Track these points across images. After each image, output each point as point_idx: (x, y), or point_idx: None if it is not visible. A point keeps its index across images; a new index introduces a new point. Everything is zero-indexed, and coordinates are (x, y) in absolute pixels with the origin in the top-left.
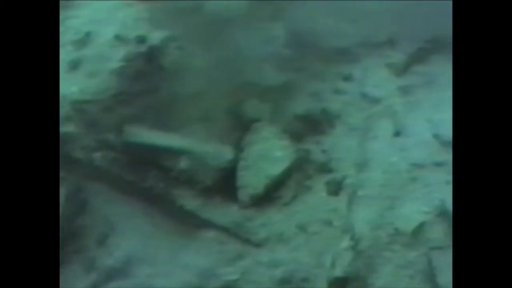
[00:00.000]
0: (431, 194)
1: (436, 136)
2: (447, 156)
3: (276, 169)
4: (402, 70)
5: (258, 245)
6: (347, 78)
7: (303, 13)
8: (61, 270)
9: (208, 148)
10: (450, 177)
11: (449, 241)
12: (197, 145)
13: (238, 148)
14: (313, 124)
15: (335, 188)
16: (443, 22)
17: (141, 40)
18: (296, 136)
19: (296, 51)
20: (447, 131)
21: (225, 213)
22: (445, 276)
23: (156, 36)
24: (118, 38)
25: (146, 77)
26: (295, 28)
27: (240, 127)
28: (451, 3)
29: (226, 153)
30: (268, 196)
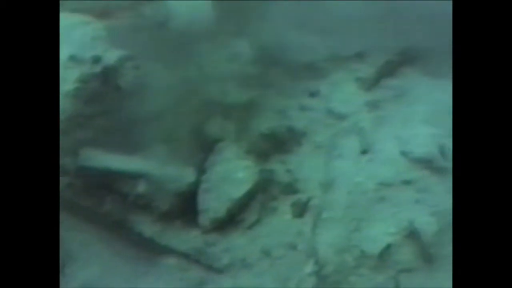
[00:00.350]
0: (399, 214)
1: (404, 153)
2: (416, 174)
3: (238, 192)
4: (370, 84)
5: (220, 271)
6: (314, 94)
7: (270, 28)
8: None
9: (168, 171)
10: (418, 196)
11: (418, 263)
12: (156, 168)
13: (201, 169)
14: (279, 143)
15: (300, 210)
16: (414, 33)
17: (96, 60)
18: (261, 156)
19: (262, 67)
20: (416, 147)
21: (185, 238)
22: None
23: (112, 56)
24: (73, 58)
25: (102, 98)
26: (262, 43)
27: (204, 147)
28: (422, 13)
29: (187, 175)
30: (231, 220)
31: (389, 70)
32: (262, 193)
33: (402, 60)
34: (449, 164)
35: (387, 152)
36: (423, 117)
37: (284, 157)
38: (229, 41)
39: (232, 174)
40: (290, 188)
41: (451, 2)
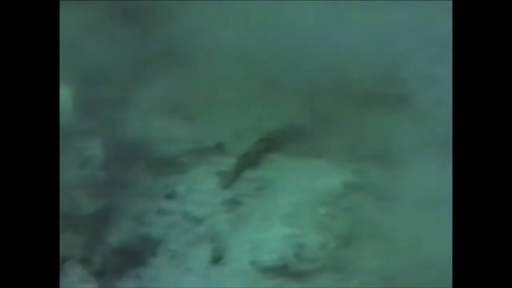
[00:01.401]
0: None
1: (253, 263)
2: (269, 283)
3: None
4: (230, 179)
5: None
6: (171, 196)
7: (135, 119)
8: None
9: None
10: None
11: None
12: None
13: None
14: (133, 255)
15: None
16: (289, 111)
17: None
18: (112, 272)
19: (118, 167)
20: (266, 255)
21: None
22: None
23: None
24: None
25: None
26: (121, 138)
27: None
28: (304, 87)
29: None
30: None
31: (252, 159)
32: None
33: (266, 147)
34: (305, 266)
35: (239, 260)
36: (282, 213)
37: (138, 271)
38: (84, 142)
39: None
40: None
41: (338, 73)
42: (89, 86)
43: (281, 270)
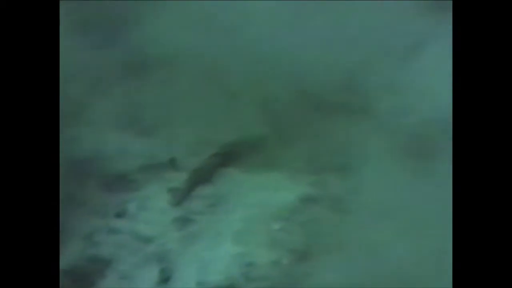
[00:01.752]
0: None
1: (200, 283)
2: None
3: None
4: (182, 196)
5: None
6: (121, 214)
7: (87, 133)
8: None
9: None
10: None
11: None
12: None
13: None
14: (81, 277)
15: None
16: (247, 123)
17: None
18: None
19: (68, 185)
20: (213, 275)
21: None
22: None
23: None
24: None
25: None
26: (72, 155)
27: None
28: (264, 99)
29: None
30: None
31: (205, 174)
32: None
33: (222, 160)
34: (254, 285)
35: (186, 281)
36: (234, 230)
37: None
38: None
39: None
40: None
41: (296, 81)
42: None
43: None
